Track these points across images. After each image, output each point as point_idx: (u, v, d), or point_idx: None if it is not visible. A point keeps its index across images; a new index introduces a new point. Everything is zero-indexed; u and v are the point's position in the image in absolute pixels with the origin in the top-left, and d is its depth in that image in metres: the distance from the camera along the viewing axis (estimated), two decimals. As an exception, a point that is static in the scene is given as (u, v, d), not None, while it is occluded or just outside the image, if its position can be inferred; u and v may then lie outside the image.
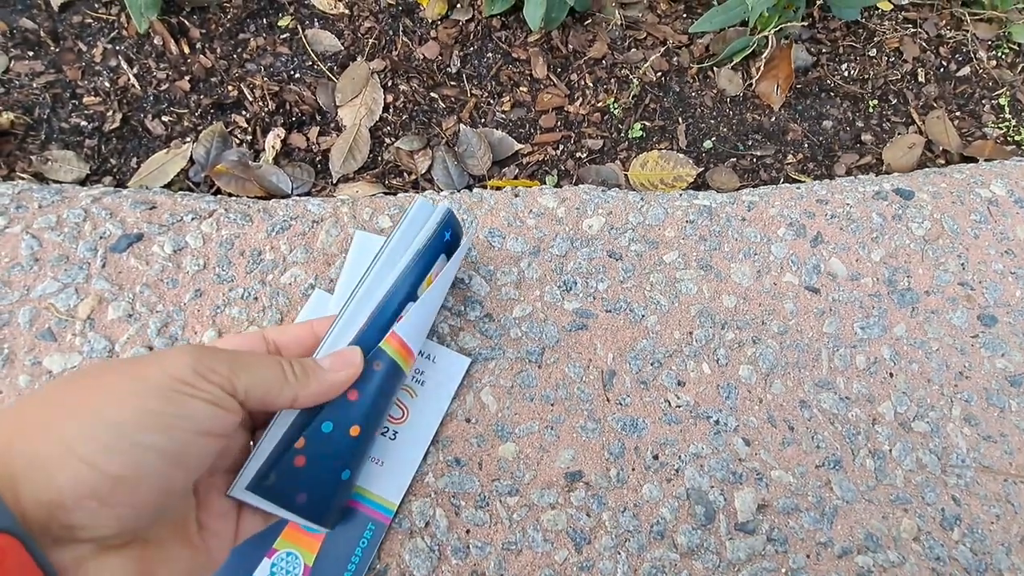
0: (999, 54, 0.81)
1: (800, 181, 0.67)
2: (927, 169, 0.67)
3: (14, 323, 0.45)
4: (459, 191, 0.56)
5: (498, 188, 0.57)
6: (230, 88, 0.63)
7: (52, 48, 0.63)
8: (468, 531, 0.42)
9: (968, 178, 0.62)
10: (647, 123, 0.67)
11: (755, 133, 0.69)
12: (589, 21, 0.71)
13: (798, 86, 0.74)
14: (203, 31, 0.65)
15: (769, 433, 0.47)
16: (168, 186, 0.58)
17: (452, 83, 0.66)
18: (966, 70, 0.80)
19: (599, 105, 0.66)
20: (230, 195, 0.57)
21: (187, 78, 0.62)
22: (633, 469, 0.45)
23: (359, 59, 0.65)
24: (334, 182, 0.60)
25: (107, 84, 0.62)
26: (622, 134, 0.66)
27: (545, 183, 0.63)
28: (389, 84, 0.65)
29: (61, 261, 0.48)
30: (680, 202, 0.56)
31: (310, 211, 0.52)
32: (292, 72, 0.65)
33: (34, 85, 0.62)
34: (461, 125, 0.63)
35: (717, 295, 0.51)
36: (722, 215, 0.55)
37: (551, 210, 0.54)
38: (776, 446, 0.47)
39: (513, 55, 0.67)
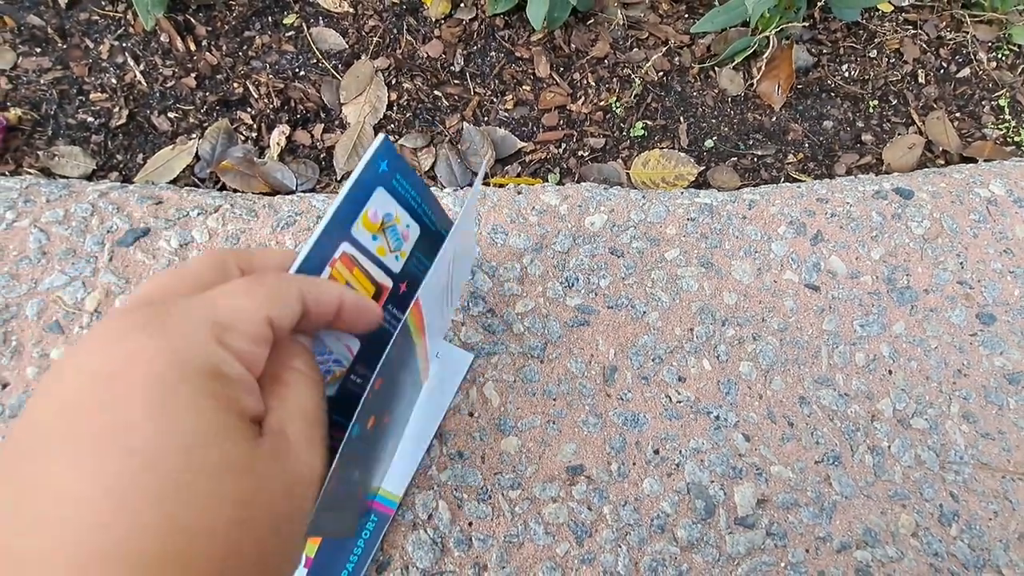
0: (999, 55, 0.81)
1: (800, 181, 0.67)
2: (927, 169, 0.67)
3: (22, 315, 0.46)
4: (462, 188, 0.57)
5: (501, 186, 0.58)
6: (235, 85, 0.63)
7: (59, 45, 0.64)
8: (471, 524, 0.42)
9: (967, 178, 0.62)
10: (649, 122, 0.67)
11: (756, 133, 0.70)
12: (591, 21, 0.72)
13: (799, 86, 0.74)
14: (209, 28, 0.65)
15: (769, 429, 0.47)
16: (174, 182, 0.59)
17: (456, 81, 0.66)
18: (966, 71, 0.81)
19: (601, 104, 0.67)
20: (235, 191, 0.58)
21: (193, 75, 0.63)
22: (634, 463, 0.45)
23: (363, 57, 0.66)
24: (338, 179, 0.60)
25: (113, 81, 0.63)
26: (624, 133, 0.66)
27: (547, 181, 0.63)
28: (393, 82, 0.65)
29: (68, 255, 0.48)
30: (681, 200, 0.56)
31: (315, 207, 0.52)
32: (297, 70, 0.65)
33: (41, 81, 0.62)
34: (464, 123, 0.64)
35: (718, 292, 0.52)
36: (723, 213, 0.55)
37: (554, 207, 0.54)
38: (776, 442, 0.47)
39: (516, 54, 0.68)
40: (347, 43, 0.67)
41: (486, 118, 0.65)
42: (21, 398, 0.43)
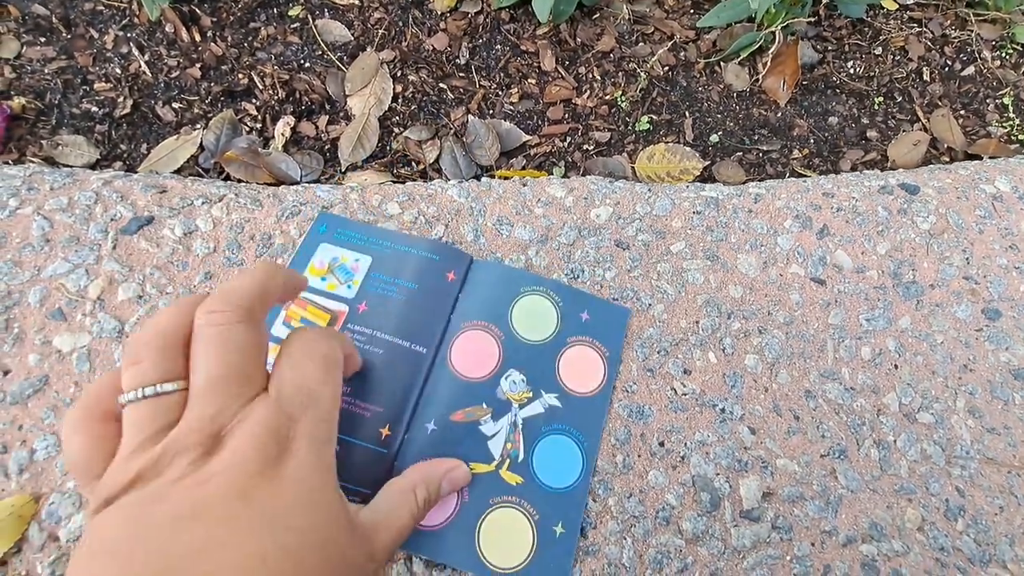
0: (1003, 54, 0.81)
1: (806, 176, 0.67)
2: (932, 165, 0.67)
3: (24, 302, 0.46)
4: (467, 180, 0.56)
5: (506, 178, 0.57)
6: (240, 76, 0.63)
7: (64, 34, 0.63)
8: (475, 514, 0.42)
9: (973, 174, 0.62)
10: (654, 116, 0.67)
11: (761, 128, 0.69)
12: (597, 15, 0.72)
13: (804, 82, 0.74)
14: (214, 19, 0.65)
15: (775, 422, 0.47)
16: (178, 172, 0.59)
17: (461, 74, 0.66)
18: (970, 70, 0.81)
19: (607, 98, 0.67)
20: (240, 181, 0.57)
21: (198, 66, 0.63)
22: (639, 455, 0.45)
23: (369, 49, 0.66)
24: (343, 170, 0.60)
25: (118, 71, 0.62)
26: (629, 127, 0.66)
27: (552, 175, 0.63)
28: (398, 74, 0.65)
29: (72, 242, 0.48)
30: (687, 193, 0.56)
31: (320, 197, 0.52)
32: (302, 61, 0.65)
33: (45, 71, 0.62)
34: (469, 116, 0.64)
35: (724, 285, 0.51)
36: (729, 207, 0.55)
37: (559, 199, 0.54)
38: (781, 435, 0.47)
39: (521, 47, 0.68)
40: (352, 35, 0.67)
41: (491, 111, 0.65)
42: (23, 385, 0.43)
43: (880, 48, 0.81)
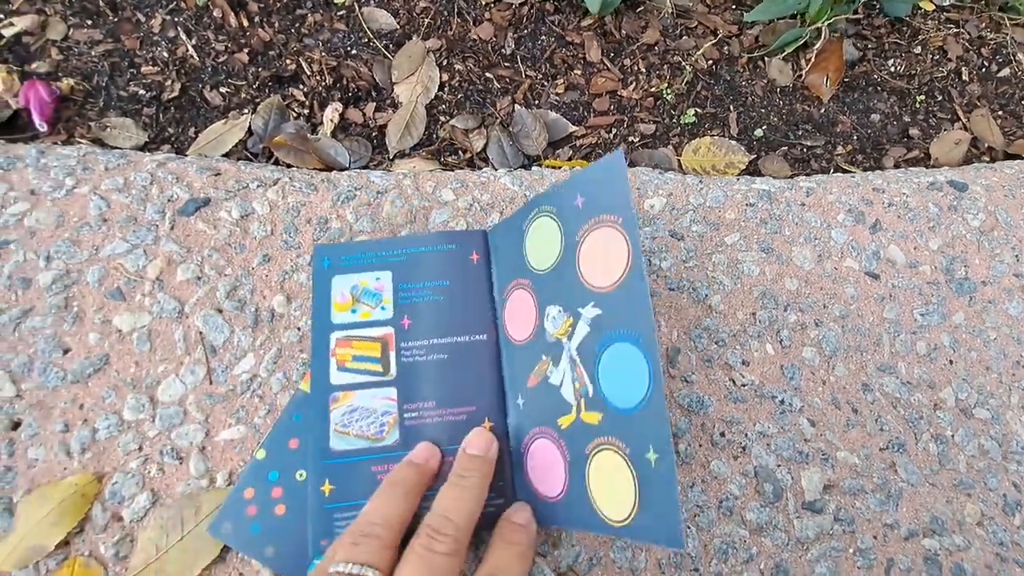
0: (1041, 56, 0.81)
1: (851, 172, 0.67)
2: (976, 164, 0.67)
3: (83, 281, 0.45)
4: (516, 170, 0.56)
5: (555, 168, 0.57)
6: (288, 62, 0.63)
7: (110, 17, 0.63)
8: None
9: (1018, 173, 0.62)
10: (699, 110, 0.67)
11: (805, 123, 0.69)
12: (641, 8, 0.71)
13: (845, 79, 0.74)
14: (261, 5, 0.65)
15: (833, 415, 0.47)
16: (226, 156, 0.59)
17: (506, 64, 0.66)
18: (1006, 71, 0.80)
19: (652, 90, 0.67)
20: (289, 166, 0.57)
21: (245, 51, 0.63)
22: (700, 445, 0.44)
23: (415, 38, 0.66)
24: (390, 157, 0.60)
25: (165, 54, 0.62)
26: (674, 119, 0.66)
27: (598, 166, 0.63)
28: (444, 63, 0.65)
29: (129, 222, 0.48)
30: (739, 186, 0.56)
31: (373, 182, 0.52)
32: (349, 48, 0.65)
33: (92, 53, 0.62)
34: (516, 106, 0.64)
35: (779, 277, 0.51)
36: (781, 200, 0.55)
37: (612, 189, 0.54)
38: (840, 428, 0.47)
39: (567, 38, 0.68)
40: (398, 23, 0.66)
41: (537, 101, 0.65)
42: (83, 364, 0.43)
43: (919, 47, 0.80)
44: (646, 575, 0.40)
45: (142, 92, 0.61)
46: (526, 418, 0.41)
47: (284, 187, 0.51)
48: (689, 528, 0.42)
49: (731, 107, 0.68)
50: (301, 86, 0.62)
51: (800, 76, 0.72)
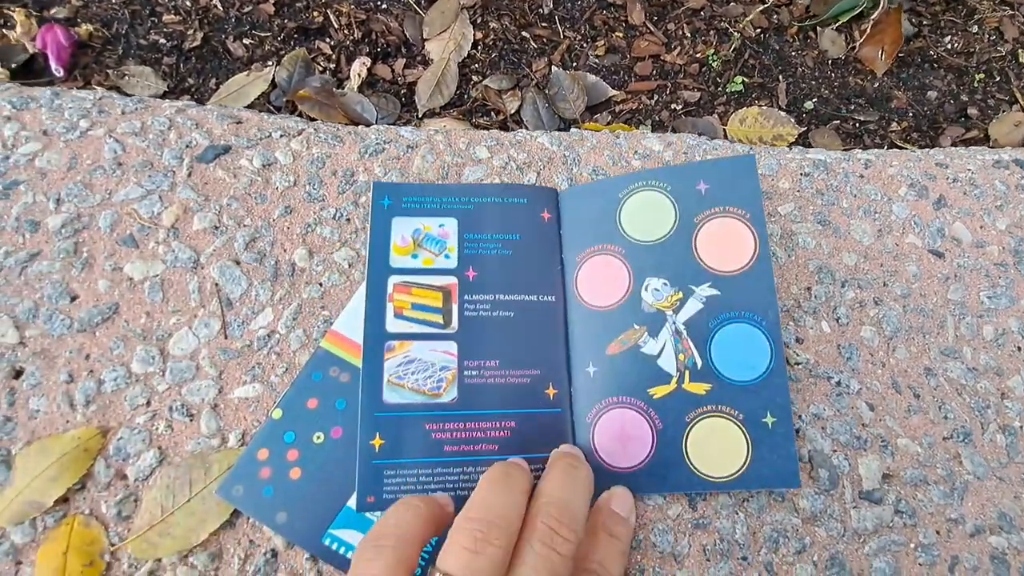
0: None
1: (908, 149, 0.63)
2: (1042, 146, 0.63)
3: (94, 226, 0.43)
4: (549, 132, 0.53)
5: (595, 131, 0.54)
6: (315, 14, 0.60)
7: (132, -37, 0.61)
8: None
9: (1089, 156, 0.58)
10: (746, 79, 0.63)
11: (858, 97, 0.65)
12: (686, -29, 0.67)
13: (900, 54, 0.70)
14: (288, -46, 0.62)
15: (894, 399, 0.43)
16: (249, 108, 0.56)
17: (544, 24, 0.62)
18: (1064, 55, 0.76)
19: (697, 56, 0.63)
20: (312, 119, 0.54)
21: (271, 1, 0.60)
22: (749, 425, 0.41)
23: (448, -7, 0.62)
24: (419, 116, 0.57)
25: (188, 3, 0.59)
26: (720, 88, 0.62)
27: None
28: (479, 20, 0.62)
29: (145, 167, 0.45)
30: (792, 155, 0.52)
31: (403, 137, 0.49)
32: (378, 2, 0.61)
33: (112, 1, 0.59)
34: (552, 67, 0.60)
35: (836, 251, 0.47)
36: (838, 171, 0.51)
37: (657, 153, 0.50)
38: (901, 413, 0.43)
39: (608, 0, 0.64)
40: (431, -22, 0.63)
41: (575, 63, 0.61)
42: (91, 312, 0.40)
43: (976, 26, 0.76)
44: (689, 561, 0.37)
45: (163, 41, 0.58)
46: (598, 387, 0.39)
47: (309, 138, 0.48)
48: (736, 513, 0.38)
49: (780, 77, 0.64)
50: (328, 39, 0.59)
51: (853, 48, 0.67)
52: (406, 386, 0.38)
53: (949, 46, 0.72)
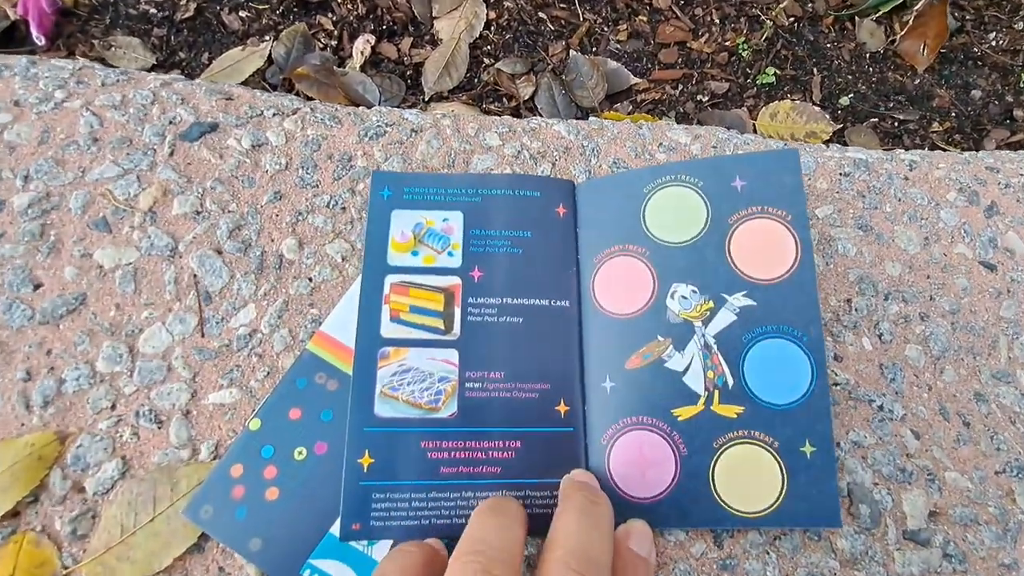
0: None
1: (949, 151, 0.58)
2: (1096, 152, 0.58)
3: (64, 207, 0.39)
4: (566, 120, 0.48)
5: (616, 120, 0.49)
6: (317, -14, 0.55)
7: (123, -74, 0.56)
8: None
9: None
10: (778, 71, 0.59)
11: (897, 95, 0.61)
12: (717, -46, 0.63)
13: (942, 50, 0.65)
14: (291, -78, 0.58)
15: (941, 427, 0.39)
16: (242, 85, 0.52)
17: (562, 5, 0.58)
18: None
19: (726, 44, 0.58)
20: (310, 99, 0.50)
21: (270, -29, 0.55)
22: (781, 452, 0.37)
23: (461, -31, 0.58)
24: (426, 99, 0.53)
25: (181, -30, 0.55)
26: (750, 79, 0.58)
27: (660, 126, 0.55)
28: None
29: (123, 144, 0.41)
30: (830, 153, 0.48)
31: (407, 120, 0.45)
32: (386, -24, 0.57)
33: (101, -35, 0.55)
34: (571, 51, 0.56)
35: (879, 260, 0.43)
36: (881, 171, 0.47)
37: (684, 146, 0.46)
38: (949, 443, 0.39)
39: (632, -19, 0.60)
40: (443, -47, 0.59)
41: (595, 48, 0.57)
42: (55, 302, 0.36)
43: (1022, 23, 0.71)
44: (712, 605, 0.33)
45: (153, 11, 0.54)
46: (616, 405, 0.35)
47: (304, 117, 0.44)
48: (767, 553, 0.34)
49: (814, 70, 0.60)
50: (330, 14, 0.55)
51: (893, 41, 0.63)
52: (400, 398, 0.34)
53: (994, 43, 0.68)
